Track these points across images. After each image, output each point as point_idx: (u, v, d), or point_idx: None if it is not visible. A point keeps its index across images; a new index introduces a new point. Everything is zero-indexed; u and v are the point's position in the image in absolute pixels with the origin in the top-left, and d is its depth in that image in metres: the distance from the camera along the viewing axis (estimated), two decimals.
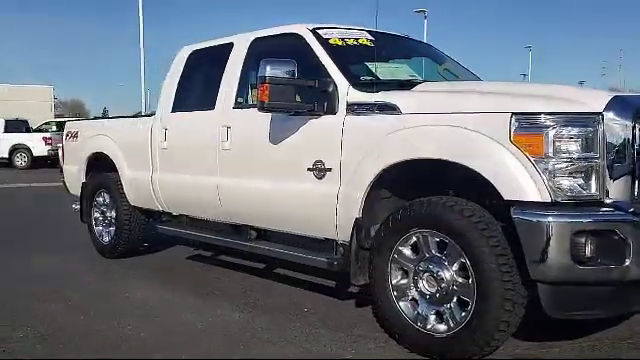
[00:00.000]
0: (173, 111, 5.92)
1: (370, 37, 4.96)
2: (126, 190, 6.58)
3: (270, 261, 6.25)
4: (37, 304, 5.08)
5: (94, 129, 7.20)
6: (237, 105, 5.19)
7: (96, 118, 8.45)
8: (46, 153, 24.22)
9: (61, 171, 7.98)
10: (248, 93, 5.31)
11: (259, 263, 6.39)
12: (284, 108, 4.27)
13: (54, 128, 27.50)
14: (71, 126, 7.71)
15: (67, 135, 7.68)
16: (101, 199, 7.09)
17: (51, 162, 24.58)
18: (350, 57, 4.64)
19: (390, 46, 5.20)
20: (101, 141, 6.91)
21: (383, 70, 4.58)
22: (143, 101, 25.10)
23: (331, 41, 4.68)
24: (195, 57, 5.95)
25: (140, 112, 21.57)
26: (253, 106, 4.98)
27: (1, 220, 10.24)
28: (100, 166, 7.20)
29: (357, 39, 4.85)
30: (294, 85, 4.21)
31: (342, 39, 4.75)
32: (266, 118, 4.69)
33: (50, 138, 24.16)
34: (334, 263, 4.30)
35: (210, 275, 6.07)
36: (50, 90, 40.77)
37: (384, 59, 4.97)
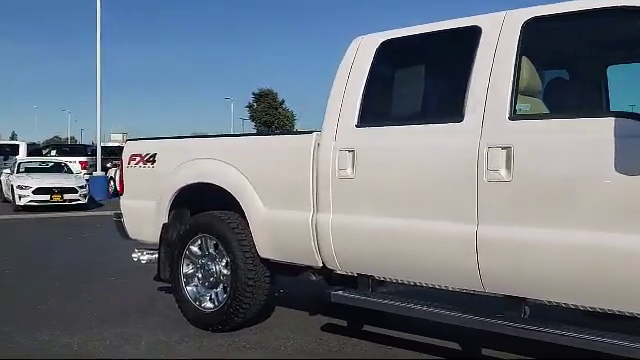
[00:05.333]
0: (361, 125, 4.10)
1: None
2: (257, 236, 4.63)
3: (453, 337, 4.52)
4: None
5: (191, 151, 5.19)
6: (517, 116, 3.45)
7: (196, 136, 6.38)
8: None
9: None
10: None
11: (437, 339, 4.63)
12: None
13: None
14: (141, 147, 5.62)
15: (133, 159, 5.61)
16: (197, 248, 5.08)
17: None
18: None
19: None
20: (209, 167, 4.93)
21: None
22: (98, 124, 22.13)
23: None
24: (392, 50, 4.16)
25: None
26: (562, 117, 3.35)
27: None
28: (191, 202, 5.25)
29: None
30: None
31: None
32: (620, 136, 3.02)
33: None
34: None
35: None
36: None
37: None
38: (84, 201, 17.01)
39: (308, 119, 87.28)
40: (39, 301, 5.99)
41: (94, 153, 24.70)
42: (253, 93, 62.25)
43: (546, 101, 3.82)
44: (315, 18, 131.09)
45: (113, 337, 4.81)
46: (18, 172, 17.80)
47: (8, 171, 18.62)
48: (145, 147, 5.58)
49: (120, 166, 5.84)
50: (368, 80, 4.14)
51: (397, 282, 4.03)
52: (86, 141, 63.08)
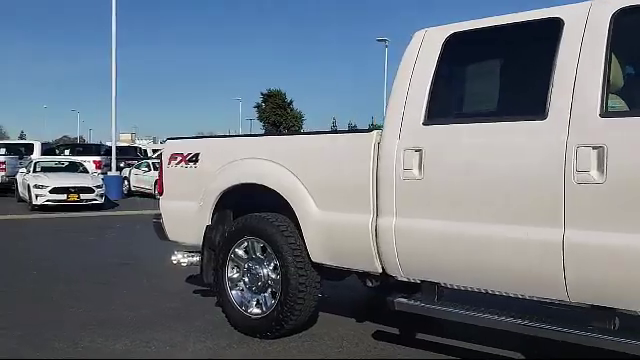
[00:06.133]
0: (428, 123, 3.86)
1: None
2: (309, 240, 4.42)
3: None
4: None
5: (237, 151, 4.96)
6: (609, 113, 3.21)
7: (240, 135, 6.18)
8: None
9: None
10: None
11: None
12: None
13: (2, 151, 24.11)
14: (183, 146, 5.40)
15: (174, 158, 5.39)
16: (243, 251, 4.86)
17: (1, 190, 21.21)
18: None
19: None
20: (257, 168, 4.71)
21: None
22: (113, 123, 21.98)
23: None
24: (461, 43, 3.92)
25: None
26: None
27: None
28: (235, 203, 5.04)
29: None
30: None
31: None
32: None
33: (4, 162, 20.81)
34: None
35: None
36: None
37: None
38: (101, 201, 16.81)
39: (314, 119, 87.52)
40: (72, 304, 5.79)
41: (107, 153, 24.56)
42: (262, 93, 61.95)
43: (624, 97, 3.58)
44: (316, 19, 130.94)
45: (158, 343, 4.60)
46: (34, 171, 17.64)
47: (24, 170, 18.44)
48: (187, 146, 5.36)
49: (160, 166, 5.63)
50: (435, 75, 3.90)
51: (468, 290, 3.79)
52: (95, 141, 63.04)
